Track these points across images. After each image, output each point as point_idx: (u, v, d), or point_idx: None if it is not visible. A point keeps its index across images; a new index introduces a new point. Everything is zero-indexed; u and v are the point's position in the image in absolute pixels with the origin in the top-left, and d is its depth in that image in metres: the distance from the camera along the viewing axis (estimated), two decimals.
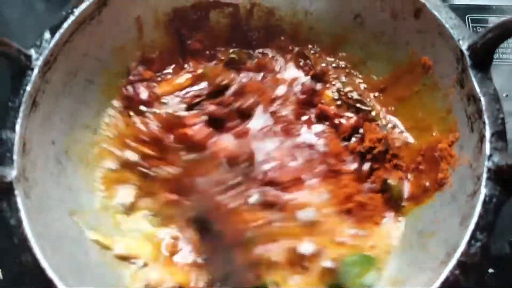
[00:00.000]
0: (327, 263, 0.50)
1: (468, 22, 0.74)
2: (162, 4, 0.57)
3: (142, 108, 0.57)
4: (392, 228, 0.52)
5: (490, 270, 0.57)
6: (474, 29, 0.73)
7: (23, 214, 0.43)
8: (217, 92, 0.58)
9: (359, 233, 0.52)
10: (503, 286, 0.56)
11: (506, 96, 0.69)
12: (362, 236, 0.51)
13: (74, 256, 0.46)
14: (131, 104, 0.57)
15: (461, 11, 0.74)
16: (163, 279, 0.49)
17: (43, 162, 0.48)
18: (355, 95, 0.59)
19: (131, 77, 0.58)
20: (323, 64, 0.60)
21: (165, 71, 0.60)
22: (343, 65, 0.60)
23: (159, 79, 0.59)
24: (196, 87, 0.59)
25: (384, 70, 0.58)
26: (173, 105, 0.57)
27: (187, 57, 0.61)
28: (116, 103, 0.57)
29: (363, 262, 0.50)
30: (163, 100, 0.58)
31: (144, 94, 0.57)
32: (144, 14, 0.57)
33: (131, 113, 0.57)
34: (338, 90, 0.59)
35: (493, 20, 0.74)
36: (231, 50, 0.61)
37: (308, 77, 0.60)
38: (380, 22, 0.56)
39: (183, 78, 0.59)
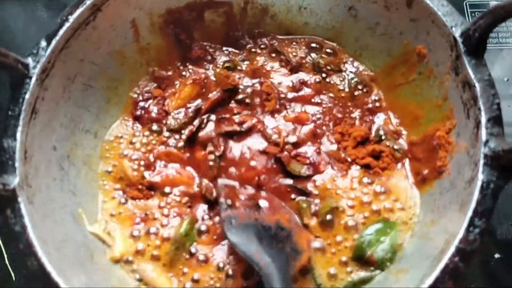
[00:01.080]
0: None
1: (466, 7, 0.74)
2: (156, 6, 0.58)
3: (154, 127, 0.58)
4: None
5: (496, 255, 0.57)
6: (473, 14, 0.73)
7: (27, 221, 0.43)
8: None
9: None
10: (510, 270, 0.56)
11: (507, 80, 0.68)
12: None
13: (79, 259, 0.47)
14: (141, 122, 0.58)
15: None
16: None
17: (45, 168, 0.49)
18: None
19: (140, 97, 0.60)
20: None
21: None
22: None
23: (166, 94, 0.60)
24: (199, 101, 0.59)
25: (380, 61, 0.58)
26: (180, 118, 0.58)
27: (187, 64, 0.62)
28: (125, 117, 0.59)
29: (383, 228, 0.50)
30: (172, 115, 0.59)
31: (154, 112, 0.59)
32: (139, 17, 0.57)
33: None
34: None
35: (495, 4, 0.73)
36: (223, 61, 0.62)
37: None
38: (374, 13, 0.56)
39: (189, 87, 0.60)
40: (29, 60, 0.49)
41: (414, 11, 0.52)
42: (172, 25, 0.59)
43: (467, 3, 0.74)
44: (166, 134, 0.58)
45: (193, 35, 0.61)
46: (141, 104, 0.59)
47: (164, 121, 0.58)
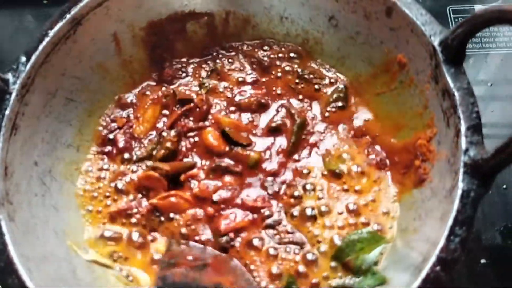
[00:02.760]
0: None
1: (450, 13, 0.74)
2: (138, 19, 0.58)
3: (125, 155, 0.57)
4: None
5: (482, 261, 0.57)
6: (456, 20, 0.74)
7: (7, 238, 0.43)
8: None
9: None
10: (496, 276, 0.56)
11: (491, 85, 0.69)
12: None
13: (61, 275, 0.47)
14: (111, 156, 0.57)
15: (443, 2, 0.75)
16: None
17: (26, 184, 0.49)
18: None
19: (106, 131, 0.58)
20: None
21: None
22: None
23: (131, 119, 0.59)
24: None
25: (361, 70, 0.58)
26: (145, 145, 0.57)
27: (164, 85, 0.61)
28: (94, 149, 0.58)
29: (370, 238, 0.50)
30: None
31: (122, 141, 0.57)
32: (120, 30, 0.57)
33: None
34: None
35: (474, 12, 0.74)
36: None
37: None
38: (354, 23, 0.56)
39: (150, 108, 0.59)
40: (9, 76, 0.49)
41: (393, 21, 0.52)
42: (154, 37, 0.59)
43: (451, 9, 0.74)
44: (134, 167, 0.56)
45: (174, 48, 0.61)
46: (109, 136, 0.58)
47: (134, 149, 0.57)
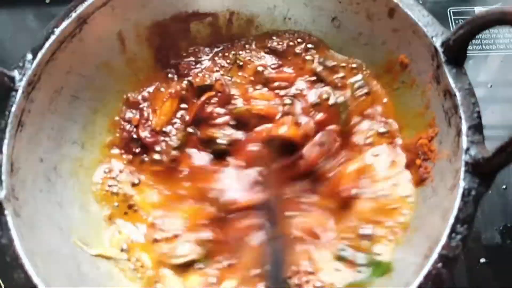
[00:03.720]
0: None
1: (450, 15, 0.75)
2: (142, 18, 0.58)
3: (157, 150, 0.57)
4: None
5: (482, 260, 0.57)
6: (457, 21, 0.74)
7: (14, 233, 0.44)
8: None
9: None
10: (495, 275, 0.57)
11: (491, 86, 0.69)
12: None
13: (67, 270, 0.47)
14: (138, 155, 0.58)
15: (443, 4, 0.75)
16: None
17: (32, 180, 0.49)
18: None
19: (125, 134, 0.58)
20: None
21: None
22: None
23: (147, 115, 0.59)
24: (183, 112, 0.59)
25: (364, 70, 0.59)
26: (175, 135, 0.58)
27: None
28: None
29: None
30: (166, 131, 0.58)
31: (147, 136, 0.57)
32: (125, 29, 0.58)
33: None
34: None
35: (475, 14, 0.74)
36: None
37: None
38: (357, 23, 0.57)
39: (168, 102, 0.59)
40: (15, 73, 0.49)
41: (395, 22, 0.53)
42: (158, 36, 0.60)
43: (451, 11, 0.75)
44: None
45: (179, 47, 0.61)
46: (133, 136, 0.58)
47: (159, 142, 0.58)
